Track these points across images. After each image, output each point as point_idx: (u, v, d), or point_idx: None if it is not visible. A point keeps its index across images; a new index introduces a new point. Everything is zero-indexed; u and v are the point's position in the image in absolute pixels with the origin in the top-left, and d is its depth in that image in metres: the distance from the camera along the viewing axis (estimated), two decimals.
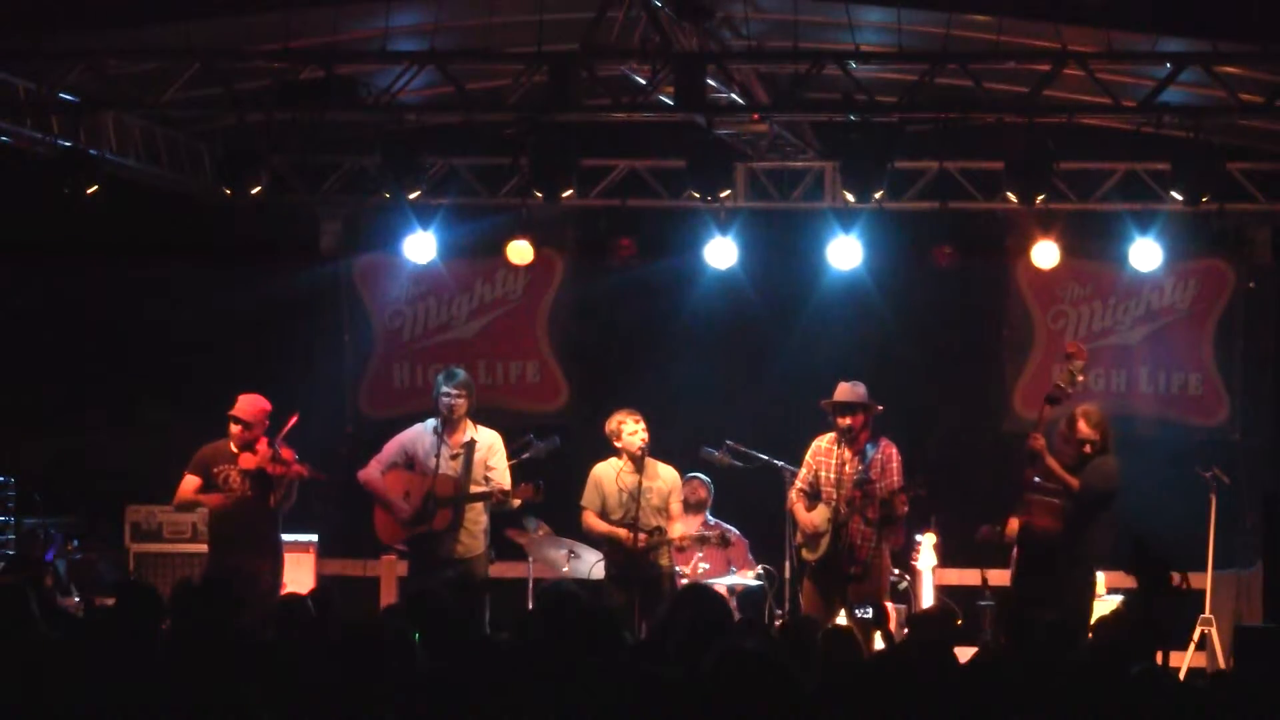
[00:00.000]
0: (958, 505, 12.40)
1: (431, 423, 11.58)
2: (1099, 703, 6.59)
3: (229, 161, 11.50)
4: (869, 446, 11.23)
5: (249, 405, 11.45)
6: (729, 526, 12.32)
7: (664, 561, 11.53)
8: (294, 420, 11.37)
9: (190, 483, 11.48)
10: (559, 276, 14.19)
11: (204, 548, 11.91)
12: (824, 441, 11.36)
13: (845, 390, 11.23)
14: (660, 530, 11.46)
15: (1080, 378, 11.22)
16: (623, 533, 11.39)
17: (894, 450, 11.24)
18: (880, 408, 11.28)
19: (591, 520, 11.57)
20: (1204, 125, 10.82)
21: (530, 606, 11.11)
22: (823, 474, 11.28)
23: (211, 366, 13.49)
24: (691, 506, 12.09)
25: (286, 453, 11.33)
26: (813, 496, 11.32)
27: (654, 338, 13.81)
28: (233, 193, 11.44)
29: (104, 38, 10.86)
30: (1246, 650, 10.93)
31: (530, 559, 12.14)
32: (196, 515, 12.41)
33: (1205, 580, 12.49)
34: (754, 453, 11.91)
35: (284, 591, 11.80)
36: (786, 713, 5.66)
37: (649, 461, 11.50)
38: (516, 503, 11.50)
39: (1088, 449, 11.01)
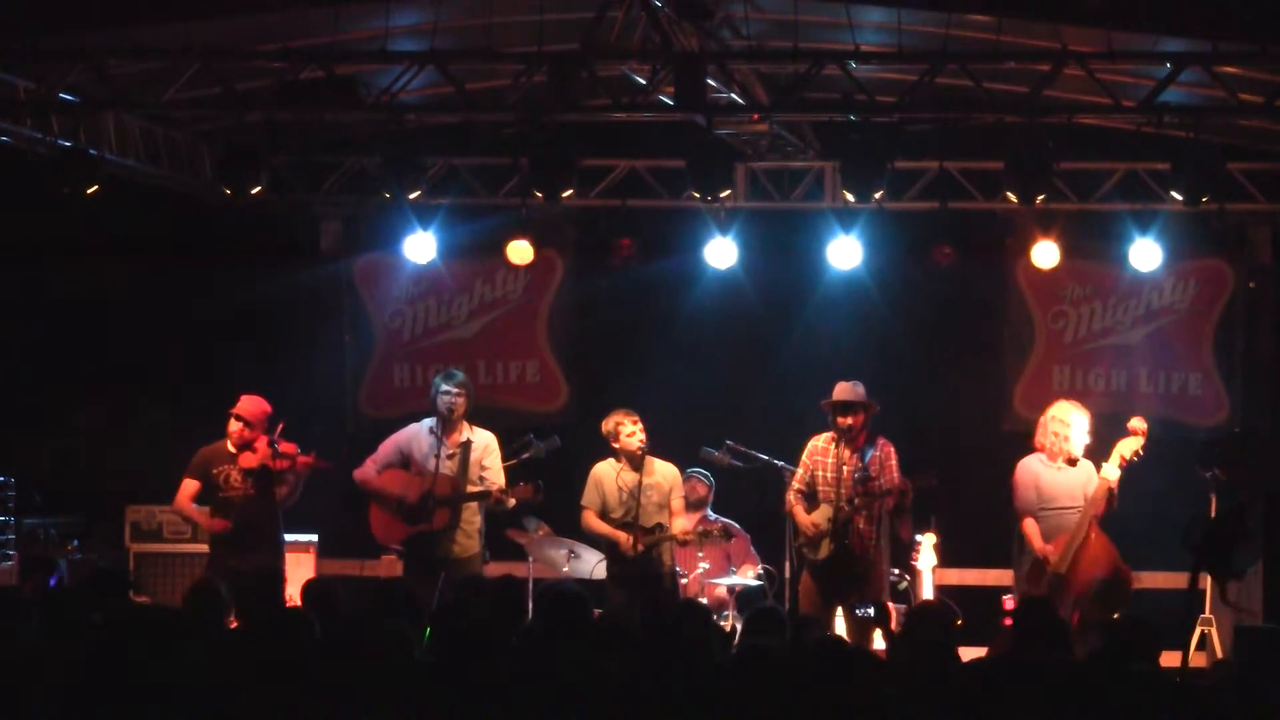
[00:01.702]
0: (958, 505, 12.41)
1: (428, 423, 11.59)
2: (1099, 703, 6.59)
3: (229, 161, 11.50)
4: (867, 446, 11.23)
5: (251, 405, 11.46)
6: (730, 521, 12.33)
7: (665, 560, 11.53)
8: (280, 428, 11.38)
9: (189, 487, 11.48)
10: (559, 276, 14.18)
11: (204, 548, 11.91)
12: (820, 441, 11.37)
13: (845, 390, 11.24)
14: (661, 526, 11.46)
15: (1140, 453, 11.31)
16: (623, 537, 11.39)
17: (892, 449, 11.26)
18: (877, 407, 11.30)
19: (592, 520, 11.57)
20: (1204, 125, 10.82)
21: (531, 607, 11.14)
22: (819, 474, 11.29)
23: (211, 366, 13.49)
24: (691, 504, 12.09)
25: (287, 447, 11.34)
26: (809, 497, 11.33)
27: (654, 338, 13.80)
28: (233, 193, 11.44)
29: (104, 38, 10.86)
30: (1246, 650, 10.94)
31: (530, 559, 12.15)
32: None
33: (1205, 580, 12.48)
34: (754, 453, 11.91)
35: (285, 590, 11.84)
36: (801, 710, 5.68)
37: (648, 459, 11.51)
38: (512, 503, 11.50)
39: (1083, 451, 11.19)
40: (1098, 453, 11.37)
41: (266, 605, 8.18)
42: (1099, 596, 11.00)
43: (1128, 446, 11.22)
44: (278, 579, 8.71)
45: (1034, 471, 11.39)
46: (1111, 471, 11.15)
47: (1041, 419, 11.49)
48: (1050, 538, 11.20)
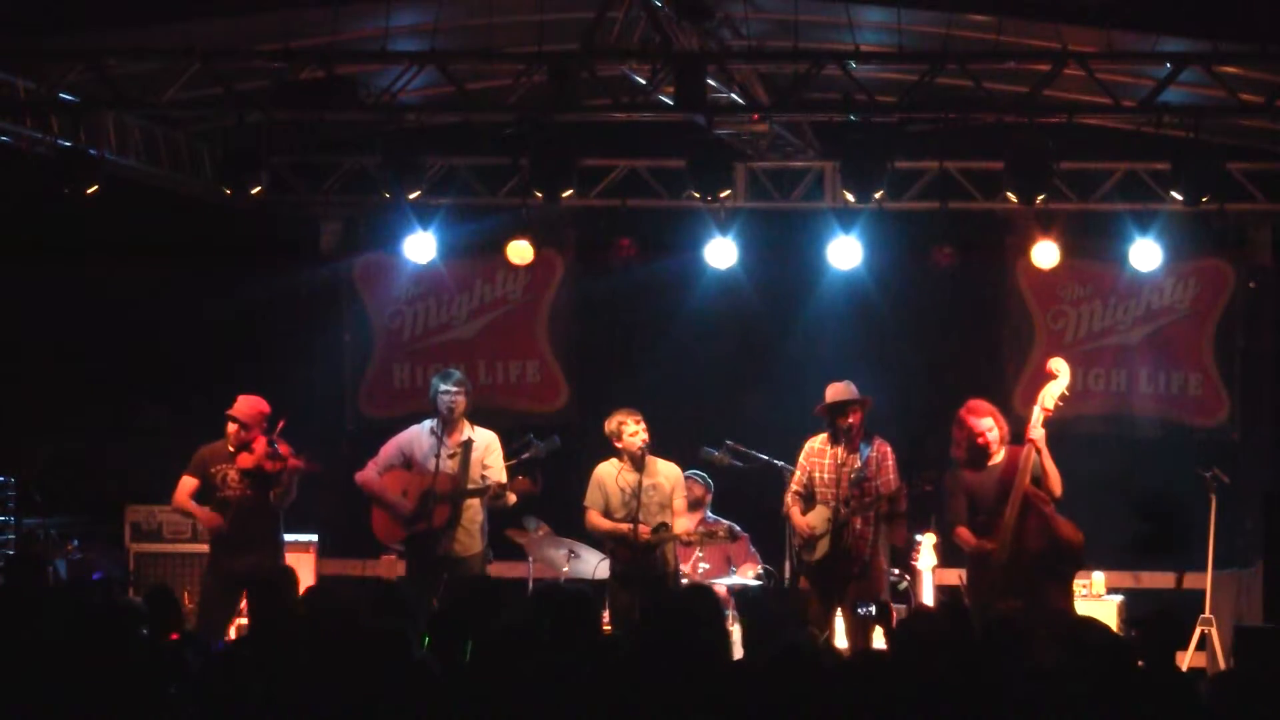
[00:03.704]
0: None
1: (429, 423, 11.59)
2: (1099, 703, 6.59)
3: (229, 161, 11.50)
4: (863, 445, 11.22)
5: (247, 406, 11.46)
6: (732, 524, 12.31)
7: (669, 560, 11.53)
8: (281, 425, 11.39)
9: (188, 484, 11.48)
10: (559, 276, 14.19)
11: (204, 548, 11.91)
12: (816, 442, 11.36)
13: (841, 389, 11.22)
14: (665, 526, 11.45)
15: (1066, 394, 11.08)
16: (625, 527, 11.39)
17: (888, 448, 11.24)
18: (871, 401, 11.28)
19: (595, 519, 11.57)
20: (1204, 125, 10.81)
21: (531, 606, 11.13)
22: (817, 475, 11.27)
23: (211, 367, 13.49)
24: (690, 505, 12.08)
25: (282, 448, 11.34)
26: (808, 498, 11.32)
27: (654, 338, 13.80)
28: (233, 193, 11.44)
29: (104, 38, 10.85)
30: (1246, 650, 10.93)
31: (530, 559, 12.15)
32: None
33: (1205, 580, 12.49)
34: (754, 453, 11.91)
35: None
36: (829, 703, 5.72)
37: (649, 459, 11.50)
38: (513, 498, 11.50)
39: (997, 445, 10.96)
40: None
41: (279, 606, 8.18)
42: (1048, 569, 10.71)
43: (1048, 394, 10.94)
44: (291, 580, 8.67)
45: (962, 481, 11.03)
46: (1035, 430, 10.83)
47: (956, 431, 11.08)
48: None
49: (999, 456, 10.98)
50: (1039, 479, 10.85)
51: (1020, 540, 10.77)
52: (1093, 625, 7.63)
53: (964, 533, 10.96)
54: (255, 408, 11.46)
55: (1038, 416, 10.93)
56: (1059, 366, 11.11)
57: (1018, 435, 11.00)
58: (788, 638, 7.06)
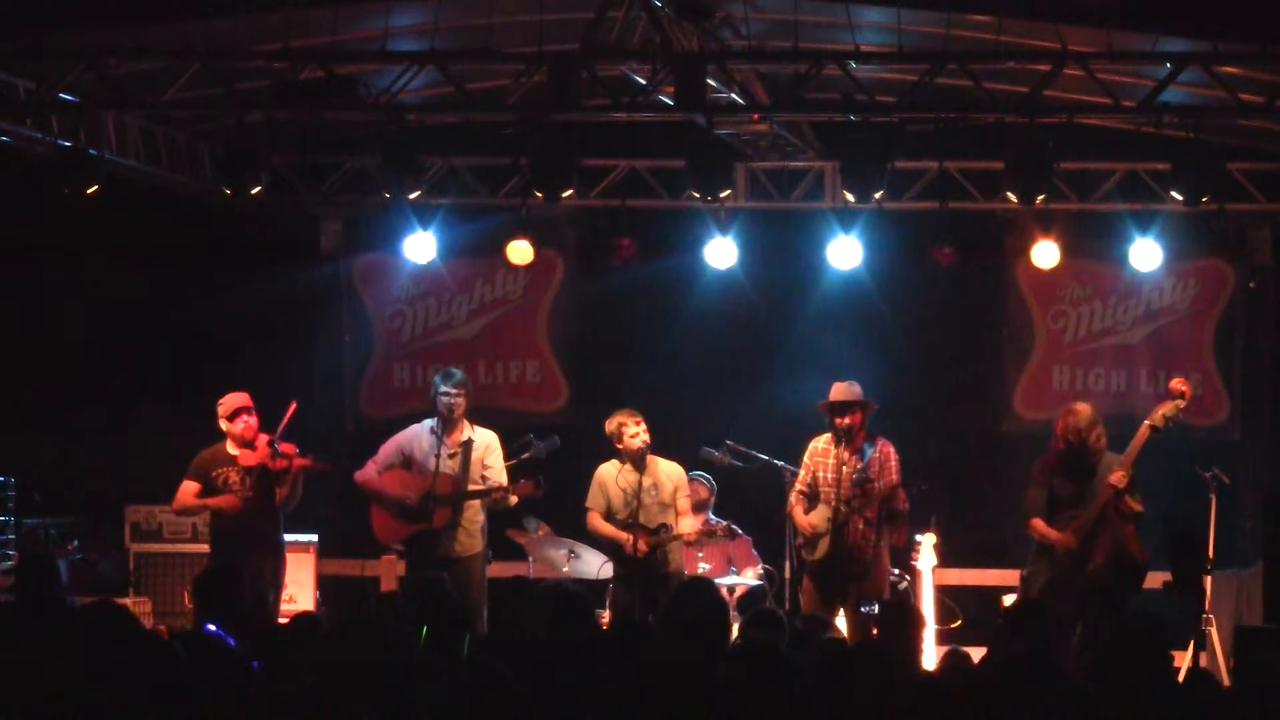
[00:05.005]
0: (958, 505, 12.41)
1: (428, 423, 11.59)
2: (1099, 703, 6.58)
3: (229, 161, 11.51)
4: (866, 446, 11.23)
5: (243, 398, 11.42)
6: (730, 523, 12.32)
7: (672, 561, 11.52)
8: (292, 409, 11.35)
9: (189, 488, 11.44)
10: (559, 276, 14.19)
11: (205, 548, 11.91)
12: (820, 442, 11.36)
13: (842, 390, 11.23)
14: (666, 528, 11.45)
15: (1179, 416, 11.03)
16: (624, 537, 11.39)
17: (891, 449, 11.24)
18: (874, 405, 11.29)
19: (596, 522, 11.56)
20: (1204, 125, 10.82)
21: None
22: (820, 474, 11.28)
23: (211, 366, 13.49)
24: (693, 506, 12.07)
25: (286, 447, 11.32)
26: (811, 498, 11.33)
27: (654, 338, 13.81)
28: (233, 193, 11.44)
29: (104, 38, 10.86)
30: (1246, 650, 10.93)
31: (530, 559, 12.14)
32: (197, 515, 12.39)
33: (1205, 580, 12.48)
34: (754, 453, 11.91)
35: (284, 590, 11.85)
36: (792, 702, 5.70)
37: (651, 459, 11.50)
38: (514, 500, 11.50)
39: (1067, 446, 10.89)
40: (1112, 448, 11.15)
41: (227, 600, 8.12)
42: (1105, 583, 10.69)
43: (1162, 414, 10.86)
44: (238, 574, 8.57)
45: (1048, 471, 10.94)
46: (1125, 461, 10.74)
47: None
48: None
49: (1099, 467, 10.83)
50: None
51: (1088, 545, 10.72)
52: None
53: (1038, 524, 10.84)
54: (243, 396, 11.45)
55: (1143, 434, 10.82)
56: (1181, 386, 11.07)
57: (1113, 441, 10.94)
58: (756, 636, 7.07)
